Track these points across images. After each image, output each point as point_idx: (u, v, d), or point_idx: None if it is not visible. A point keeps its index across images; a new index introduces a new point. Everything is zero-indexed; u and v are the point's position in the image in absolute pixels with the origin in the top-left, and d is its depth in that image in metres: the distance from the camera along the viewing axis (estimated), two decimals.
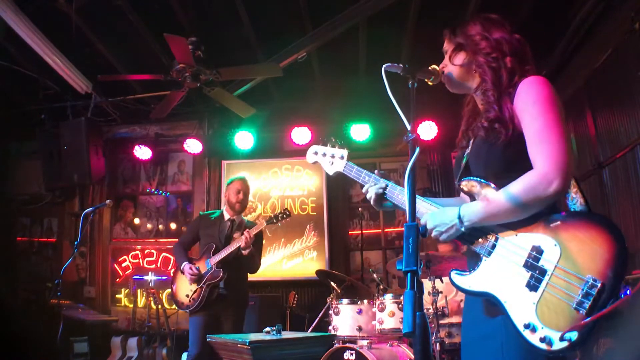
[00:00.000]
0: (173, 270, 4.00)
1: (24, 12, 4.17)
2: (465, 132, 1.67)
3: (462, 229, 1.44)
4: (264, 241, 4.15)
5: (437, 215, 1.49)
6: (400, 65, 1.53)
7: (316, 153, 1.99)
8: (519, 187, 1.37)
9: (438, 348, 3.16)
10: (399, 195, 1.67)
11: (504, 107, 1.48)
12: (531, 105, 1.41)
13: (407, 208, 1.31)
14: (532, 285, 1.34)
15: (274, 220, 3.78)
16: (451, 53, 1.63)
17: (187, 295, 3.73)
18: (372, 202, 1.73)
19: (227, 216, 3.95)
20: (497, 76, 1.52)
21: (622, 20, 3.68)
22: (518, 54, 1.54)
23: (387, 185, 1.70)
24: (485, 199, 1.44)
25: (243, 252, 3.65)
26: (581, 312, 1.25)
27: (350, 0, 4.28)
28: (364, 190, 1.77)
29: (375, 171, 1.77)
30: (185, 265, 3.74)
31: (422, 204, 1.59)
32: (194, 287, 3.72)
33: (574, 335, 1.23)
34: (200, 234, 3.95)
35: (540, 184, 1.34)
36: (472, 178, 1.54)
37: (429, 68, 1.61)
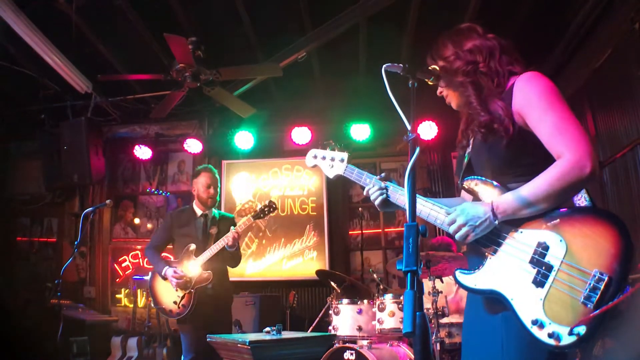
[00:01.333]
0: (150, 276, 3.77)
1: (24, 12, 4.16)
2: (464, 131, 1.68)
3: (496, 222, 1.43)
4: (263, 241, 4.11)
5: (467, 210, 1.46)
6: (401, 65, 1.53)
7: (315, 157, 1.99)
8: (553, 175, 1.37)
9: (438, 348, 3.16)
10: (401, 197, 1.68)
11: (495, 107, 1.49)
12: (537, 100, 1.42)
13: (407, 208, 1.31)
14: (539, 282, 1.35)
15: (261, 215, 3.60)
16: (438, 81, 1.64)
17: (175, 302, 3.48)
18: (376, 205, 1.73)
19: (198, 212, 3.71)
20: (477, 86, 1.54)
21: (622, 20, 3.68)
22: (494, 53, 1.55)
23: (387, 188, 1.71)
24: (517, 191, 1.42)
25: (230, 249, 3.49)
26: (589, 306, 1.25)
27: (350, 0, 4.28)
28: (365, 192, 1.77)
29: (377, 176, 1.77)
30: (168, 270, 3.49)
31: (425, 204, 1.60)
32: (181, 292, 3.48)
33: (582, 330, 1.23)
34: (174, 234, 3.71)
35: (574, 169, 1.34)
36: (474, 177, 1.54)
37: (429, 68, 1.62)
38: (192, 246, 3.54)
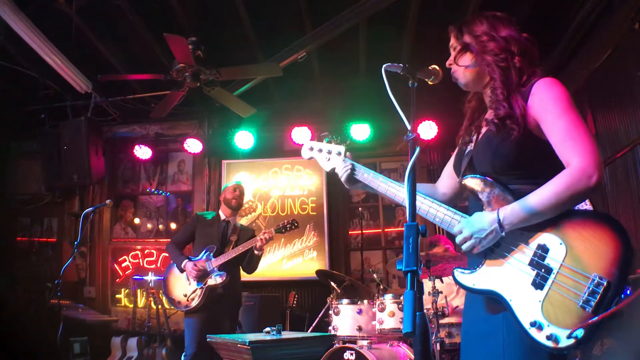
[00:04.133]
0: (167, 268, 4.04)
1: (24, 12, 4.16)
2: (468, 127, 1.68)
3: (503, 234, 1.42)
4: None
5: (473, 221, 1.46)
6: (400, 65, 1.53)
7: (311, 149, 1.97)
8: (560, 184, 1.37)
9: (438, 348, 3.16)
10: (365, 174, 1.79)
11: (514, 104, 1.48)
12: (553, 105, 1.43)
13: (407, 208, 1.31)
14: (538, 284, 1.35)
15: (283, 231, 3.83)
16: (457, 54, 1.63)
17: (185, 295, 3.73)
18: (343, 180, 1.84)
19: (223, 216, 4.01)
20: (506, 75, 1.52)
21: (622, 20, 3.68)
22: (527, 53, 1.55)
23: (353, 165, 1.83)
24: (524, 200, 1.41)
25: (256, 252, 3.75)
26: (587, 310, 1.26)
27: (350, 0, 4.28)
28: (337, 171, 1.88)
29: (344, 157, 1.88)
30: (188, 263, 3.74)
31: (423, 201, 1.60)
32: (194, 287, 3.72)
33: (580, 333, 1.23)
34: (196, 234, 3.97)
35: (582, 179, 1.35)
36: (477, 176, 1.54)
37: (429, 68, 1.61)
38: (213, 247, 3.82)
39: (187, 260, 3.77)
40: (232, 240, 3.88)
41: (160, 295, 5.42)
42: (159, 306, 5.24)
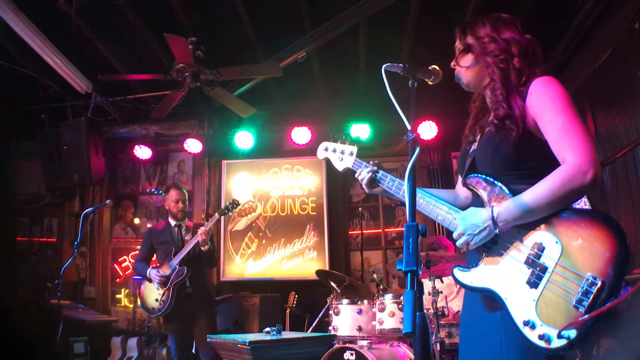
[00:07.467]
0: (139, 284, 4.30)
1: (24, 12, 4.17)
2: (472, 127, 1.69)
3: (496, 231, 1.43)
4: (263, 241, 4.25)
5: (467, 217, 1.48)
6: (400, 65, 1.54)
7: (327, 149, 2.04)
8: (554, 181, 1.37)
9: (438, 348, 3.16)
10: (389, 182, 1.77)
11: (514, 105, 1.49)
12: (550, 103, 1.43)
13: (407, 208, 1.31)
14: (533, 282, 1.35)
15: (225, 212, 4.18)
16: (459, 55, 1.65)
17: (157, 300, 3.97)
18: (363, 184, 1.83)
19: (173, 223, 4.24)
20: (506, 76, 1.53)
21: (622, 20, 3.68)
22: (528, 54, 1.55)
23: (377, 171, 1.82)
24: (519, 198, 1.41)
25: (202, 248, 3.91)
26: (580, 310, 1.25)
27: (350, 0, 4.28)
28: (356, 175, 1.86)
29: (370, 162, 1.87)
30: (152, 271, 3.98)
31: (427, 200, 1.62)
32: (162, 290, 3.95)
33: (572, 333, 1.23)
34: (154, 246, 4.23)
35: (576, 176, 1.34)
36: (478, 175, 1.54)
37: (429, 68, 1.62)
38: (172, 249, 4.05)
39: (150, 269, 4.03)
40: (187, 239, 4.07)
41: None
42: None
